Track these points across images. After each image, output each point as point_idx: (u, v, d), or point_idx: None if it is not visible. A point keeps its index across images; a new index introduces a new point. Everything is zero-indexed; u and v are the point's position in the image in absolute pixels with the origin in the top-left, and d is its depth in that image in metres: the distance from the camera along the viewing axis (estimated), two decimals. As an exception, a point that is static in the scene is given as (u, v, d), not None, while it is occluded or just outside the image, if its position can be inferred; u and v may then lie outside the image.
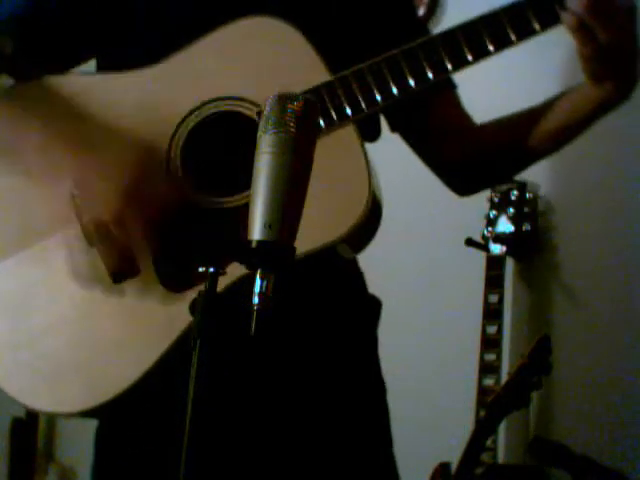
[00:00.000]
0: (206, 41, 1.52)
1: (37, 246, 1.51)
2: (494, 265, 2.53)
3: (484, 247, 2.56)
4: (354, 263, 1.66)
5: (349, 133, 1.48)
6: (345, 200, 1.48)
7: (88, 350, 1.50)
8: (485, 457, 2.35)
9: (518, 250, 2.57)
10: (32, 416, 3.52)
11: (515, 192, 2.53)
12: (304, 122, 1.13)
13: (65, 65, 1.62)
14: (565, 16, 1.45)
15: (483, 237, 2.56)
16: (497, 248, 2.54)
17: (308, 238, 1.40)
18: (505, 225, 2.55)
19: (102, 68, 1.64)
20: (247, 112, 1.49)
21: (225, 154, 1.52)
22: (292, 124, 1.12)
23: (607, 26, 1.42)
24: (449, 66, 1.49)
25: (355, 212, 1.46)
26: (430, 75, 1.49)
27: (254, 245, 1.11)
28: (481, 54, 1.49)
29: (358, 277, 1.67)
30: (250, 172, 1.39)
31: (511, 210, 2.54)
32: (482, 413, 2.29)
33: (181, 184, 1.50)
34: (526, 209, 2.55)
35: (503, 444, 2.48)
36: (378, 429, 1.63)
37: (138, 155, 1.50)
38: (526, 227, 2.55)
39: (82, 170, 1.48)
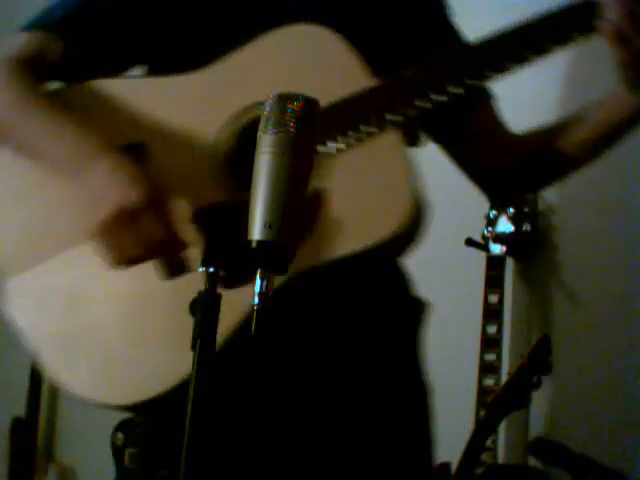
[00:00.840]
0: (252, 47, 1.54)
1: (87, 243, 1.50)
2: (494, 265, 2.53)
3: (484, 247, 2.56)
4: (397, 264, 1.66)
5: (392, 138, 1.49)
6: (385, 205, 1.48)
7: (138, 345, 1.50)
8: (485, 457, 2.35)
9: (518, 250, 2.57)
10: (32, 416, 3.52)
11: (515, 192, 2.53)
12: (304, 122, 1.13)
13: (115, 69, 1.63)
14: (602, 25, 1.46)
15: (483, 237, 2.56)
16: (497, 248, 2.55)
17: (346, 241, 1.45)
18: (505, 225, 2.55)
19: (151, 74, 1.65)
20: None
21: None
22: (292, 124, 1.12)
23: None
24: (488, 74, 1.51)
25: (394, 218, 1.46)
26: (470, 82, 1.51)
27: (254, 245, 1.11)
28: (519, 63, 1.50)
29: (400, 278, 1.67)
30: None
31: (511, 210, 2.54)
32: (482, 413, 2.29)
33: (227, 184, 1.51)
34: (526, 209, 2.55)
35: (503, 444, 2.48)
36: (414, 432, 1.63)
37: (179, 159, 1.52)
38: (526, 227, 2.55)
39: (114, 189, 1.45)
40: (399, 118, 1.49)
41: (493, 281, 2.52)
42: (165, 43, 1.61)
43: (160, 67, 1.62)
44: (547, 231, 2.61)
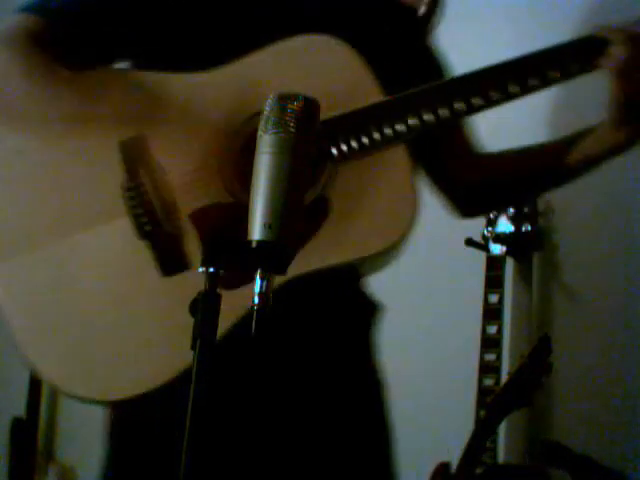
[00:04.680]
0: (265, 53, 1.54)
1: (79, 235, 1.51)
2: (494, 265, 2.53)
3: (484, 247, 2.56)
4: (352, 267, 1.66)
5: (399, 151, 1.51)
6: (391, 216, 1.50)
7: (126, 343, 1.50)
8: (485, 457, 2.35)
9: (518, 250, 2.57)
10: (32, 416, 3.52)
11: (515, 192, 2.53)
12: (304, 122, 1.13)
13: (99, 59, 1.62)
14: (608, 61, 1.52)
15: (483, 237, 2.56)
16: (497, 248, 2.54)
17: (349, 249, 1.47)
18: (505, 225, 2.55)
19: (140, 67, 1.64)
20: None
21: None
22: (292, 124, 1.12)
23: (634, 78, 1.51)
24: (496, 99, 1.54)
25: (399, 229, 1.49)
26: (481, 106, 1.54)
27: (254, 245, 1.11)
28: (526, 92, 1.54)
29: (353, 281, 1.67)
30: None
31: (511, 210, 2.54)
32: (482, 413, 2.29)
33: (232, 185, 1.51)
34: (526, 209, 2.55)
35: (503, 444, 2.48)
36: (373, 431, 1.65)
37: (182, 156, 1.53)
38: (526, 227, 2.55)
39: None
40: (409, 133, 1.51)
41: (493, 281, 2.52)
42: (166, 38, 1.61)
43: (157, 63, 1.60)
44: (547, 231, 2.61)
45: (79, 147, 1.54)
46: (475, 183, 1.78)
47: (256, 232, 1.11)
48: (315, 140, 1.16)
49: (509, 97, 1.53)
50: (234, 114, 1.53)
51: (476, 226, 2.56)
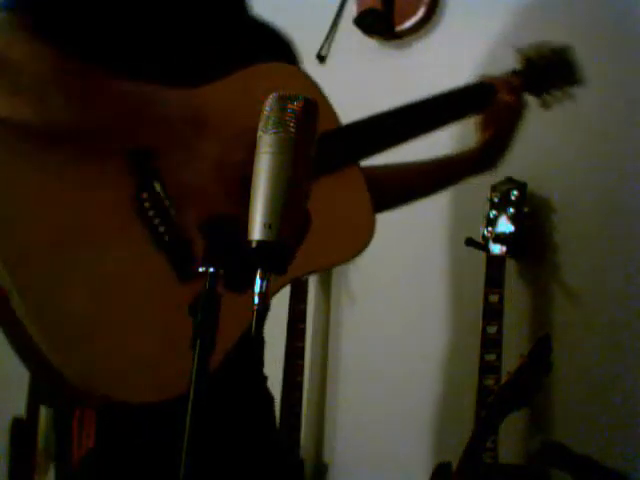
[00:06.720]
0: (233, 78, 1.59)
1: (90, 246, 1.48)
2: (494, 265, 2.53)
3: (484, 247, 2.56)
4: None
5: (355, 171, 1.68)
6: (351, 230, 1.66)
7: (145, 348, 1.50)
8: (485, 457, 2.35)
9: (518, 250, 2.57)
10: (32, 416, 3.52)
11: (515, 192, 2.53)
12: (304, 122, 1.13)
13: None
14: (497, 103, 1.93)
15: (483, 237, 2.56)
16: (497, 248, 2.54)
17: (313, 261, 1.56)
18: (505, 225, 2.54)
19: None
20: None
21: None
22: (292, 124, 1.12)
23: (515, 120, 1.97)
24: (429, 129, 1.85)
25: (360, 241, 1.65)
26: (418, 134, 1.83)
27: (254, 245, 1.11)
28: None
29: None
30: None
31: (511, 210, 2.54)
32: (482, 413, 2.29)
33: (240, 198, 1.53)
34: (526, 209, 2.55)
35: (503, 444, 2.48)
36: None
37: (189, 168, 1.57)
38: (526, 227, 2.55)
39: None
40: (364, 155, 1.74)
41: (493, 281, 2.51)
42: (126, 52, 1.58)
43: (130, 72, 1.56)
44: (547, 231, 2.61)
45: (84, 154, 1.51)
46: None
47: (256, 232, 1.11)
48: (315, 140, 1.16)
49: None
50: (221, 132, 1.58)
51: (476, 226, 2.57)
